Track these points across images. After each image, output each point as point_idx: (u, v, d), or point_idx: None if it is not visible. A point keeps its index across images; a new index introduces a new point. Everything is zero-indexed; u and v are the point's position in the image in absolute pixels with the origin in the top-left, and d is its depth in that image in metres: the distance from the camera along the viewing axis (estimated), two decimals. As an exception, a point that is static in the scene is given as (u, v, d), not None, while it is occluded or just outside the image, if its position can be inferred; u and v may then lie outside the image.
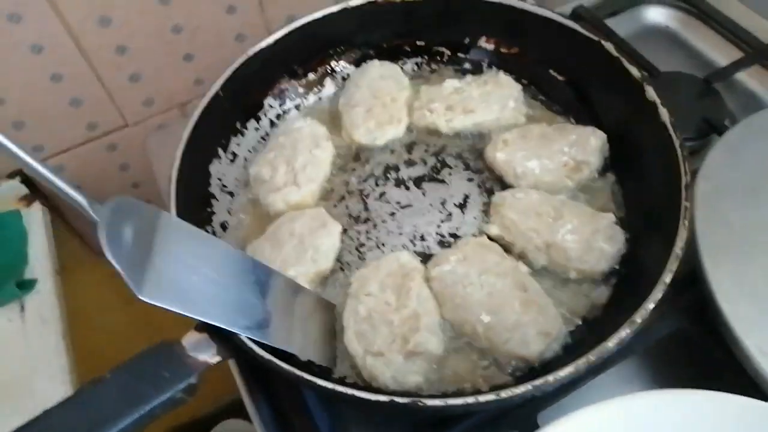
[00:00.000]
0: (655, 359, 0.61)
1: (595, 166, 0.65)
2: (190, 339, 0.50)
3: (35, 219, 0.90)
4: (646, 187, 0.61)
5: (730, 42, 0.84)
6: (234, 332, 0.49)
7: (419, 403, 0.45)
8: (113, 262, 0.45)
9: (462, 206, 0.65)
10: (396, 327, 0.55)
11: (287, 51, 0.72)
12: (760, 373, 0.50)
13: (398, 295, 0.57)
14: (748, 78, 0.80)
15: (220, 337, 0.50)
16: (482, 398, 0.45)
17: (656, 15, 0.91)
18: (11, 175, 0.92)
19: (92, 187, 1.01)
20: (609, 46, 0.65)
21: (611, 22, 0.87)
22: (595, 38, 0.66)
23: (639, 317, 0.48)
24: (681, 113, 0.73)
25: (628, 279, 0.58)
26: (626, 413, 0.45)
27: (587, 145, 0.65)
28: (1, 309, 0.81)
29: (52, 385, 0.74)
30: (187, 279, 0.48)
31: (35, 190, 0.94)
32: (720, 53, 0.84)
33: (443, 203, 0.66)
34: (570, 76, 0.71)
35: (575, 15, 0.85)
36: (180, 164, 0.61)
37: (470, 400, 0.45)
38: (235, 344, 0.50)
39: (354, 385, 0.51)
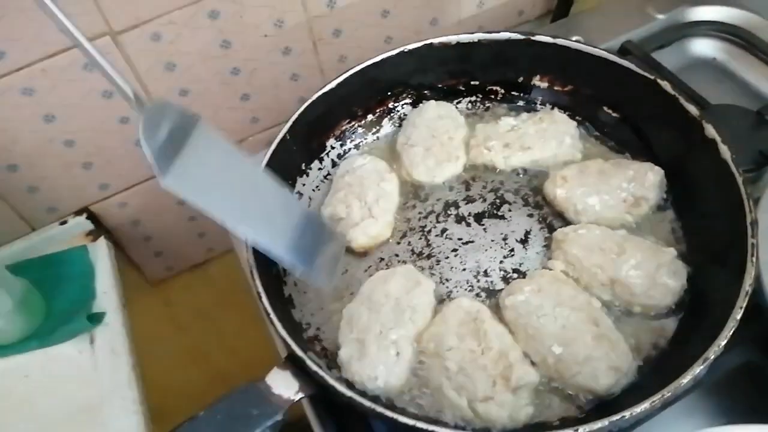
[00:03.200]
0: (721, 391, 0.61)
1: (654, 202, 0.66)
2: (274, 377, 0.52)
3: (101, 254, 0.94)
4: (708, 223, 0.62)
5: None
6: (314, 368, 0.51)
7: (500, 440, 0.47)
8: (144, 146, 0.49)
9: (524, 242, 0.67)
10: (491, 369, 0.56)
11: (348, 94, 0.75)
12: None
13: (478, 339, 0.58)
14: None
15: (303, 373, 0.52)
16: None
17: (703, 47, 0.92)
18: (78, 212, 0.97)
19: (151, 222, 1.05)
20: (665, 84, 0.66)
21: (659, 56, 0.88)
22: (651, 77, 0.67)
23: (712, 353, 0.49)
24: (735, 146, 0.75)
25: (693, 314, 0.59)
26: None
27: (645, 180, 0.66)
28: (72, 342, 0.84)
29: (124, 415, 0.77)
30: (211, 179, 0.52)
31: (100, 225, 0.99)
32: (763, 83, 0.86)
33: (505, 239, 0.68)
34: (624, 112, 0.73)
35: (623, 50, 0.87)
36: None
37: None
38: (316, 381, 0.52)
39: (431, 421, 0.52)
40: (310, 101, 0.72)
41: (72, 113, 0.86)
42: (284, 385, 0.51)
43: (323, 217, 0.71)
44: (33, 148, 0.87)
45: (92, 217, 0.97)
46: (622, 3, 0.96)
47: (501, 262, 0.66)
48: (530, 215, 0.69)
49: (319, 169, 0.76)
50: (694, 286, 0.61)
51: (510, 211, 0.70)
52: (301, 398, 0.51)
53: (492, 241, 0.68)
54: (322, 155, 0.76)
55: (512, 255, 0.66)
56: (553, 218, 0.68)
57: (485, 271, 0.65)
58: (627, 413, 0.47)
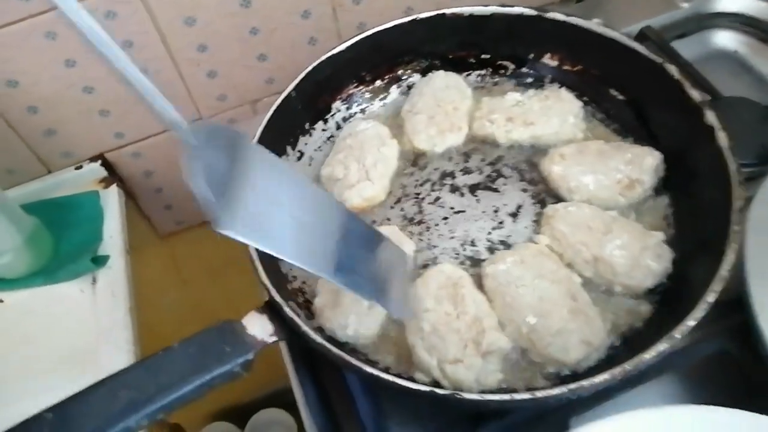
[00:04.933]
0: (697, 379, 0.62)
1: (649, 185, 0.66)
2: (251, 319, 0.54)
3: (112, 200, 0.97)
4: (699, 210, 0.62)
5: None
6: (289, 314, 0.52)
7: (457, 396, 0.48)
8: (192, 189, 0.42)
9: (514, 215, 0.68)
10: (464, 333, 0.57)
11: (357, 58, 0.76)
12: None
13: (455, 303, 0.59)
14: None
15: (278, 318, 0.54)
16: (518, 396, 0.48)
17: (725, 39, 0.90)
18: (93, 159, 0.99)
19: (163, 174, 1.08)
20: (671, 68, 0.66)
21: (678, 45, 0.87)
22: (658, 60, 0.67)
23: (678, 333, 0.49)
24: (741, 138, 0.73)
25: (672, 297, 0.59)
26: (655, 424, 0.47)
27: (643, 164, 0.66)
28: (75, 281, 0.88)
29: (117, 354, 0.80)
30: (269, 213, 0.45)
31: (113, 173, 1.01)
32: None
33: (496, 211, 0.68)
34: (630, 96, 0.72)
35: (642, 35, 0.86)
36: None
37: (506, 397, 0.48)
38: (290, 326, 0.53)
39: (398, 375, 0.53)
40: (318, 61, 0.73)
41: (92, 60, 0.88)
42: (259, 328, 0.53)
43: (321, 177, 0.72)
44: (53, 92, 0.90)
45: (106, 164, 1.00)
46: (649, -12, 0.95)
47: (489, 233, 0.66)
48: (524, 190, 0.69)
49: (323, 130, 0.77)
50: (678, 272, 0.61)
51: (505, 185, 0.70)
52: (274, 341, 0.53)
53: (483, 212, 0.68)
54: (327, 116, 0.77)
55: (501, 227, 0.67)
56: (547, 195, 0.68)
57: (472, 241, 0.66)
58: (586, 382, 0.48)
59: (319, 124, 0.77)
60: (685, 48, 0.87)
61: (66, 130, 0.95)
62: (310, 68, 0.73)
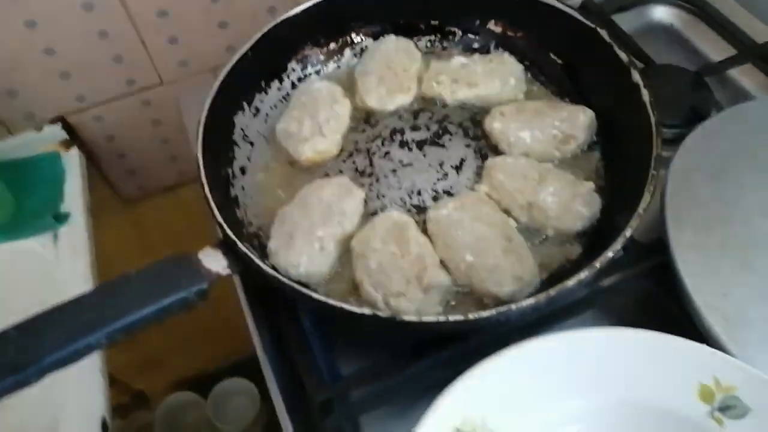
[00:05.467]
0: (621, 317, 0.67)
1: (582, 140, 0.71)
2: (206, 253, 0.57)
3: (73, 162, 0.99)
4: (625, 162, 0.67)
5: (728, 41, 0.89)
6: (243, 250, 0.56)
7: (397, 318, 0.52)
8: None
9: (458, 168, 0.72)
10: (407, 270, 0.61)
11: (312, 21, 0.79)
12: (704, 325, 0.56)
13: (400, 245, 0.63)
14: (739, 75, 0.86)
15: (232, 253, 0.57)
16: (452, 318, 0.52)
17: (661, 13, 0.96)
18: (54, 121, 1.01)
19: (125, 139, 1.10)
20: (603, 32, 0.71)
21: (618, 18, 0.93)
22: (592, 25, 0.72)
23: (598, 263, 0.54)
24: (670, 102, 0.80)
25: (598, 240, 0.64)
26: (571, 346, 0.52)
27: (576, 120, 0.71)
28: (37, 238, 0.90)
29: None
30: None
31: (75, 136, 1.03)
32: (717, 52, 0.90)
33: (441, 164, 0.72)
34: (568, 60, 0.78)
35: (583, 7, 0.91)
36: (209, 111, 0.68)
37: (441, 318, 0.52)
38: (244, 261, 0.57)
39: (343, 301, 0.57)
40: (274, 23, 0.76)
41: (54, 21, 0.90)
42: (214, 261, 0.57)
43: (276, 132, 0.75)
44: (13, 52, 0.91)
45: (68, 127, 1.02)
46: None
47: (434, 184, 0.71)
48: (468, 146, 0.74)
49: (278, 89, 0.80)
50: (604, 218, 0.66)
51: (450, 140, 0.75)
52: (228, 274, 0.57)
53: (429, 165, 0.73)
54: (282, 75, 0.80)
55: (445, 179, 0.71)
56: (489, 150, 0.73)
57: (419, 191, 0.71)
58: (514, 306, 0.52)
59: (275, 84, 0.80)
60: (625, 20, 0.93)
61: (27, 92, 0.97)
62: (266, 29, 0.76)
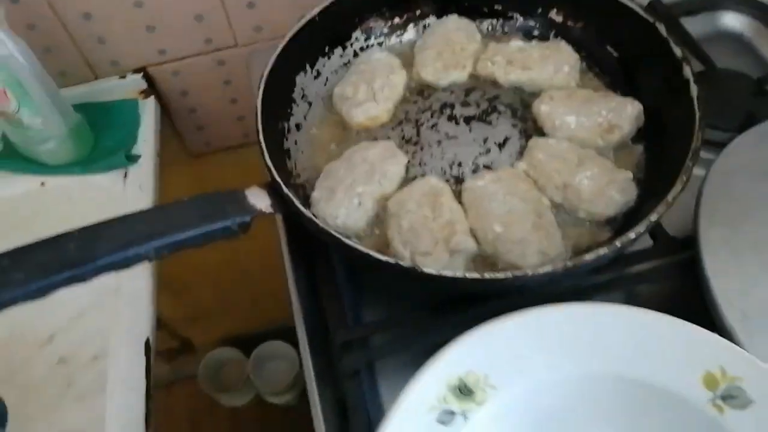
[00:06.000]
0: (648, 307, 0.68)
1: (627, 131, 0.72)
2: (252, 191, 0.62)
3: (148, 110, 1.06)
4: (666, 155, 0.68)
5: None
6: (286, 192, 0.61)
7: (417, 269, 0.56)
8: None
9: (501, 146, 0.75)
10: (436, 233, 0.64)
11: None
12: (721, 319, 0.57)
13: (433, 209, 0.67)
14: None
15: (277, 196, 0.62)
16: (469, 275, 0.55)
17: (730, 20, 0.95)
18: (137, 71, 1.09)
19: (198, 95, 1.17)
20: (661, 28, 0.72)
21: (686, 21, 0.92)
22: (651, 20, 0.73)
23: (619, 242, 0.56)
24: (726, 105, 0.80)
25: (629, 226, 0.65)
26: (578, 317, 0.54)
27: (624, 111, 0.72)
28: (109, 174, 0.98)
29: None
30: None
31: (153, 86, 1.11)
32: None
33: (485, 140, 0.75)
34: (624, 53, 0.78)
35: (650, 6, 0.91)
36: (272, 67, 0.73)
37: (459, 274, 0.55)
38: (286, 203, 0.62)
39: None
40: (342, -6, 0.81)
41: (144, -24, 0.98)
42: (259, 199, 0.61)
43: (334, 95, 0.80)
44: (105, 2, 0.99)
45: (147, 77, 1.10)
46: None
47: (476, 158, 0.74)
48: (514, 125, 0.76)
49: (341, 56, 0.84)
50: (639, 208, 0.67)
51: (498, 119, 0.77)
52: (270, 213, 0.61)
53: (474, 140, 0.75)
54: (346, 43, 0.84)
55: (487, 154, 0.74)
56: (534, 132, 0.75)
57: (459, 163, 0.73)
58: (530, 271, 0.55)
59: (338, 50, 0.84)
60: (692, 24, 0.92)
61: (114, 41, 1.04)
62: (335, -1, 0.80)
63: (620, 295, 0.70)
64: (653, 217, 0.57)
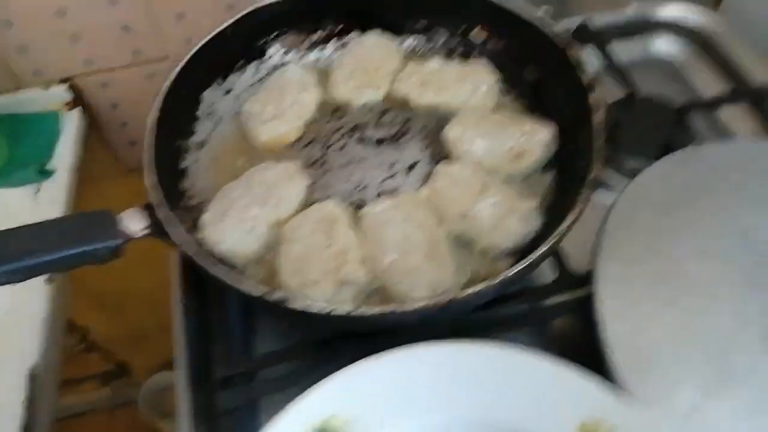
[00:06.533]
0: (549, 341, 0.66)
1: (538, 157, 0.69)
2: (129, 213, 0.59)
3: (71, 121, 1.03)
4: (571, 183, 0.65)
5: (725, 79, 0.86)
6: (162, 214, 0.57)
7: (285, 303, 0.52)
8: None
9: (409, 170, 0.72)
10: (327, 262, 0.61)
11: (299, 8, 0.80)
12: (610, 359, 0.54)
13: (328, 235, 0.64)
14: (731, 116, 0.83)
15: (153, 216, 0.59)
16: (338, 310, 0.52)
17: (663, 45, 0.94)
18: (62, 81, 1.05)
19: (128, 109, 1.14)
20: (573, 51, 0.69)
21: (619, 46, 0.90)
22: (562, 44, 0.70)
23: (510, 272, 0.53)
24: (647, 135, 0.78)
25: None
26: (449, 358, 0.51)
27: (536, 136, 0.70)
28: (20, 189, 0.94)
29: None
30: None
31: (80, 98, 1.07)
32: (713, 89, 0.87)
33: (393, 164, 0.72)
34: (540, 76, 0.76)
35: (579, 30, 0.89)
36: (174, 80, 0.71)
37: (330, 308, 0.52)
38: (160, 226, 0.58)
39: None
40: (262, 4, 0.78)
41: (65, -16, 0.94)
42: (135, 222, 0.58)
43: (242, 112, 0.77)
44: (27, 8, 0.95)
45: (74, 88, 1.06)
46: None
47: (382, 181, 0.71)
48: (425, 149, 0.73)
49: (256, 71, 0.81)
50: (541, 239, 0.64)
51: (409, 142, 0.74)
52: (144, 235, 0.58)
53: (381, 163, 0.72)
54: (262, 59, 0.82)
55: (393, 178, 0.71)
56: (443, 157, 0.72)
57: (365, 187, 0.70)
58: (409, 306, 0.52)
59: (253, 65, 0.81)
60: (625, 49, 0.91)
61: (38, 49, 1.01)
62: (252, 8, 0.77)
63: (531, 331, 0.67)
64: (544, 248, 0.55)
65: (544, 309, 0.65)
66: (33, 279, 0.56)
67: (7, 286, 0.54)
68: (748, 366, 0.53)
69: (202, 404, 0.60)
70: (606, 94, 0.71)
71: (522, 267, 0.54)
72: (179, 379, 0.62)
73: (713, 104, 0.82)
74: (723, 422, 0.50)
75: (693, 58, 0.92)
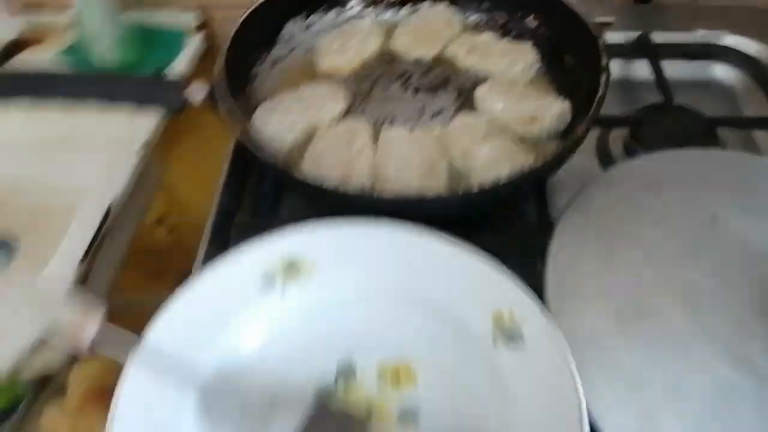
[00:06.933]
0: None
1: (547, 126, 0.77)
2: (197, 83, 0.74)
3: (193, 43, 1.22)
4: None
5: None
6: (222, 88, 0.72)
7: (287, 172, 0.66)
8: None
9: (434, 115, 0.82)
10: (341, 159, 0.74)
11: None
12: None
13: (349, 142, 0.76)
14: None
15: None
16: (329, 185, 0.64)
17: (722, 72, 0.97)
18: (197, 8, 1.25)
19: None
20: (601, 41, 0.77)
21: (672, 63, 0.96)
22: (596, 35, 0.78)
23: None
24: (670, 139, 0.83)
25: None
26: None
27: (550, 107, 0.78)
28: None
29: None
30: None
31: (205, 26, 1.27)
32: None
33: (422, 108, 0.83)
34: (576, 63, 0.84)
35: (638, 41, 0.96)
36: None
37: (320, 182, 0.64)
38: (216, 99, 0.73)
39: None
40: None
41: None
42: (199, 91, 0.73)
43: (315, 46, 0.91)
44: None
45: (203, 16, 1.25)
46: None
47: (407, 119, 0.81)
48: (454, 101, 0.84)
49: (335, 18, 0.96)
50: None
51: (443, 94, 0.85)
52: (202, 101, 0.73)
53: (413, 106, 0.83)
54: (344, 8, 0.97)
55: (419, 119, 0.81)
56: (468, 109, 0.82)
57: (392, 120, 0.81)
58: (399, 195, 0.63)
59: (335, 11, 0.96)
60: (679, 68, 0.96)
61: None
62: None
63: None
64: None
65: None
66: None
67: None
68: (658, 309, 0.59)
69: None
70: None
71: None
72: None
73: (747, 123, 0.85)
74: (619, 353, 0.57)
75: (746, 86, 0.95)
